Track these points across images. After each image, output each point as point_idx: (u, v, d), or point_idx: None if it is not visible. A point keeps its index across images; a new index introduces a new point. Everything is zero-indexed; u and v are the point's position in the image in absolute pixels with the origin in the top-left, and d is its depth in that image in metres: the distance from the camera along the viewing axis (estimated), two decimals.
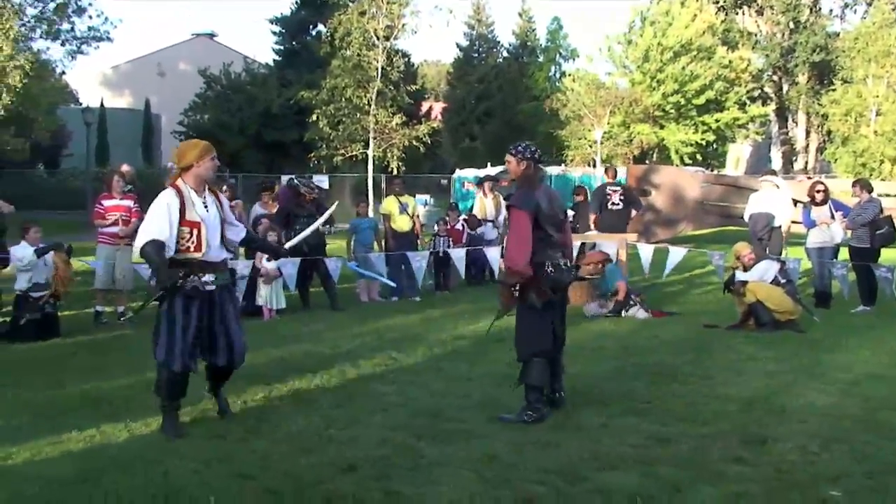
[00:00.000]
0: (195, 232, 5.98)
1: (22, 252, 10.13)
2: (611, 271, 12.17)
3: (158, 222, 5.85)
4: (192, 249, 5.99)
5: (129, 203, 11.55)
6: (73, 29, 34.92)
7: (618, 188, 15.89)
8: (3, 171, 36.12)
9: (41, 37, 33.95)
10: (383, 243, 14.41)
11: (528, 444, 5.83)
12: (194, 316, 6.02)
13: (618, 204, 15.55)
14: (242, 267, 11.61)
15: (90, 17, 35.91)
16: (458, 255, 13.89)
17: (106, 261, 11.32)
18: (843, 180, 30.64)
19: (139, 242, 5.85)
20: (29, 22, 32.63)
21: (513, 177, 6.80)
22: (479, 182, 16.55)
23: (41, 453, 5.62)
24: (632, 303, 11.88)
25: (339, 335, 10.34)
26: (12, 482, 5.12)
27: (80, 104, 48.38)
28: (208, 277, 6.06)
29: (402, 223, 14.15)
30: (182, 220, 5.92)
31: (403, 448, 5.73)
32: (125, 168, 13.49)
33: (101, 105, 52.03)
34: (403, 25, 32.50)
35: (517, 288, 6.50)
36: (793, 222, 14.23)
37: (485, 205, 15.70)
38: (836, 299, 12.60)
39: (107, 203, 11.45)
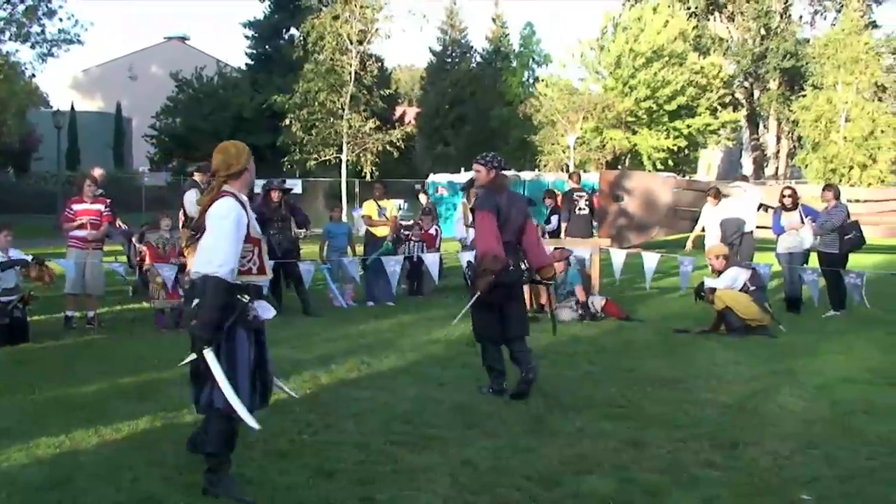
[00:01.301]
0: (256, 251, 5.01)
1: None
2: (571, 274, 12.27)
3: (232, 247, 4.75)
4: (254, 271, 4.98)
5: (99, 207, 11.46)
6: (43, 31, 34.65)
7: (584, 194, 16.28)
8: None
9: (10, 39, 33.69)
10: (362, 248, 14.42)
11: (504, 449, 5.83)
12: (256, 349, 4.96)
13: (584, 209, 15.91)
14: None
15: (60, 19, 35.66)
16: (432, 259, 13.88)
17: (76, 265, 11.21)
18: (814, 186, 30.92)
19: (205, 268, 4.70)
20: None
21: (482, 184, 7.42)
22: (464, 188, 16.23)
23: (10, 459, 5.55)
24: (591, 294, 12.14)
25: (311, 340, 10.28)
26: None
27: (51, 107, 48.07)
28: (261, 305, 5.05)
29: (379, 228, 14.14)
30: (246, 236, 4.90)
31: (379, 454, 5.71)
32: (97, 171, 13.39)
33: (72, 108, 51.73)
34: (377, 30, 32.46)
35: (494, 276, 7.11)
36: (759, 227, 14.35)
37: (468, 212, 15.27)
38: (807, 304, 12.70)
39: (77, 207, 11.34)
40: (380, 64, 36.21)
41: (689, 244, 14.91)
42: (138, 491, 5.00)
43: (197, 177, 13.61)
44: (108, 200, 11.86)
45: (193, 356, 4.84)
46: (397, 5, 52.99)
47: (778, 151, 57.24)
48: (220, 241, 4.72)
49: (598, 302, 12.10)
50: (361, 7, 31.36)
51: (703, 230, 14.57)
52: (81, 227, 11.24)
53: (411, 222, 15.52)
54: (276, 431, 6.23)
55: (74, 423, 6.34)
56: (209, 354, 4.68)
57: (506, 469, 5.43)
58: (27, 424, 6.34)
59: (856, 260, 13.11)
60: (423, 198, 16.76)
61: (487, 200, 7.23)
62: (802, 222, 12.72)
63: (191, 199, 13.09)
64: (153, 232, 14.35)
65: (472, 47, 61.47)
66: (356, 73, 31.84)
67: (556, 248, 12.66)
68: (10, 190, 40.64)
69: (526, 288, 12.42)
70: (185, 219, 12.86)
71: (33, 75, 38.06)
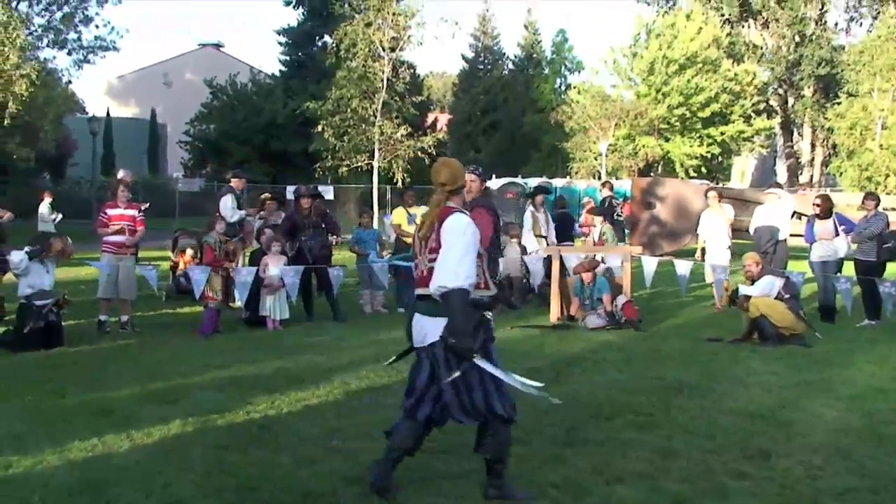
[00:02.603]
0: (481, 265, 5.03)
1: (17, 257, 10.19)
2: (600, 282, 12.24)
3: (473, 261, 4.81)
4: (481, 286, 4.99)
5: (133, 212, 11.57)
6: (79, 38, 35.12)
7: (619, 201, 16.52)
8: (9, 180, 36.20)
9: (48, 46, 34.16)
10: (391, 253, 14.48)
11: (532, 457, 5.82)
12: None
13: (620, 216, 16.12)
14: (245, 275, 11.60)
15: (97, 26, 36.05)
16: None
17: (109, 270, 11.32)
18: (849, 194, 30.61)
19: (451, 282, 4.68)
20: (36, 31, 32.83)
21: (475, 194, 7.91)
22: (530, 195, 15.70)
23: (43, 462, 5.61)
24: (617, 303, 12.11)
25: (342, 347, 10.31)
26: (14, 490, 5.12)
27: (87, 113, 48.58)
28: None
29: (411, 234, 14.19)
30: None
31: (407, 461, 5.70)
32: (122, 175, 13.56)
33: (108, 114, 52.27)
34: (409, 37, 32.50)
35: None
36: (792, 235, 14.23)
37: (538, 220, 14.53)
38: (841, 313, 12.56)
39: (111, 212, 11.46)
40: (412, 71, 36.24)
41: (698, 253, 14.70)
42: (169, 496, 5.03)
43: (234, 183, 13.73)
44: (145, 205, 12.04)
45: (394, 358, 5.61)
46: (430, 12, 53.09)
47: (812, 159, 56.72)
48: (465, 255, 4.76)
49: (620, 301, 12.08)
50: (394, 14, 31.42)
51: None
52: (116, 232, 11.36)
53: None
54: (306, 436, 6.26)
55: (107, 427, 6.39)
56: (481, 361, 4.76)
57: (534, 477, 5.42)
58: (60, 428, 6.41)
59: (893, 268, 12.95)
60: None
61: (492, 204, 8.31)
62: (836, 232, 12.59)
63: (227, 204, 13.22)
64: (186, 237, 14.49)
65: (504, 54, 61.62)
66: (388, 79, 31.90)
67: (585, 258, 12.64)
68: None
69: (556, 297, 12.46)
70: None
71: (70, 81, 38.60)
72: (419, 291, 5.07)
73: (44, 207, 21.65)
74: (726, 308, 12.67)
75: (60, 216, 22.07)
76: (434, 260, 4.87)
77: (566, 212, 16.53)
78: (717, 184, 42.63)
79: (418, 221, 14.49)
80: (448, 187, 5.09)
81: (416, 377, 5.05)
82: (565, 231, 15.46)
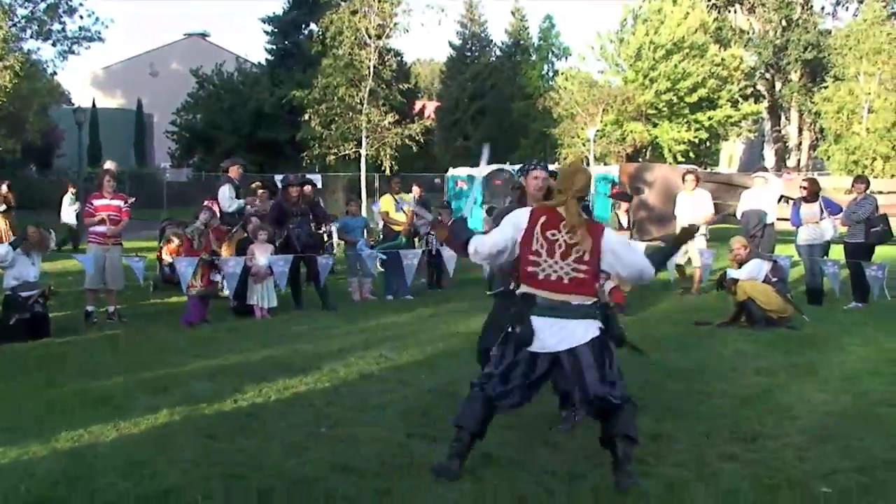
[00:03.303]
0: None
1: (2, 249, 10.14)
2: None
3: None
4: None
5: (119, 203, 11.52)
6: (63, 29, 34.90)
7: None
8: None
9: (32, 37, 33.95)
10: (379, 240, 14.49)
11: (523, 443, 5.81)
12: None
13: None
14: (233, 265, 11.55)
15: (81, 17, 35.88)
16: (450, 253, 13.84)
17: (96, 260, 11.26)
18: (836, 178, 30.65)
19: (652, 270, 5.30)
20: (19, 22, 32.60)
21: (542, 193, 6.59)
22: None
23: (29, 452, 5.58)
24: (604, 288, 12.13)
25: (330, 334, 10.28)
26: (0, 480, 5.08)
27: (72, 104, 48.30)
28: None
29: (398, 221, 14.17)
30: None
31: (396, 447, 5.69)
32: (108, 165, 13.46)
33: (93, 105, 51.98)
34: (395, 24, 32.38)
35: None
36: (778, 219, 14.21)
37: None
38: (828, 296, 12.58)
39: (97, 203, 11.41)
40: (399, 58, 36.11)
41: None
42: (157, 485, 5.00)
43: (231, 172, 13.65)
44: (131, 199, 11.96)
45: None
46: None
47: (800, 143, 56.83)
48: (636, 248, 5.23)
49: (608, 286, 12.07)
50: (380, 2, 31.30)
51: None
52: (101, 222, 11.30)
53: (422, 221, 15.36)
54: (294, 424, 6.24)
55: (93, 416, 6.36)
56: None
57: (526, 463, 5.41)
58: (47, 418, 6.37)
59: (880, 251, 12.98)
60: (416, 190, 16.46)
61: None
62: (823, 215, 12.61)
63: (224, 194, 13.15)
64: (174, 227, 14.40)
65: (491, 41, 61.44)
66: (375, 67, 31.79)
67: None
68: (32, 186, 40.89)
69: None
70: (219, 213, 12.88)
71: (55, 73, 38.33)
72: (556, 297, 5.10)
73: (67, 198, 22.31)
74: (709, 289, 12.66)
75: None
76: (580, 270, 5.06)
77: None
78: (706, 168, 42.63)
79: (406, 209, 14.43)
80: (582, 193, 5.20)
81: (521, 372, 5.15)
82: None
